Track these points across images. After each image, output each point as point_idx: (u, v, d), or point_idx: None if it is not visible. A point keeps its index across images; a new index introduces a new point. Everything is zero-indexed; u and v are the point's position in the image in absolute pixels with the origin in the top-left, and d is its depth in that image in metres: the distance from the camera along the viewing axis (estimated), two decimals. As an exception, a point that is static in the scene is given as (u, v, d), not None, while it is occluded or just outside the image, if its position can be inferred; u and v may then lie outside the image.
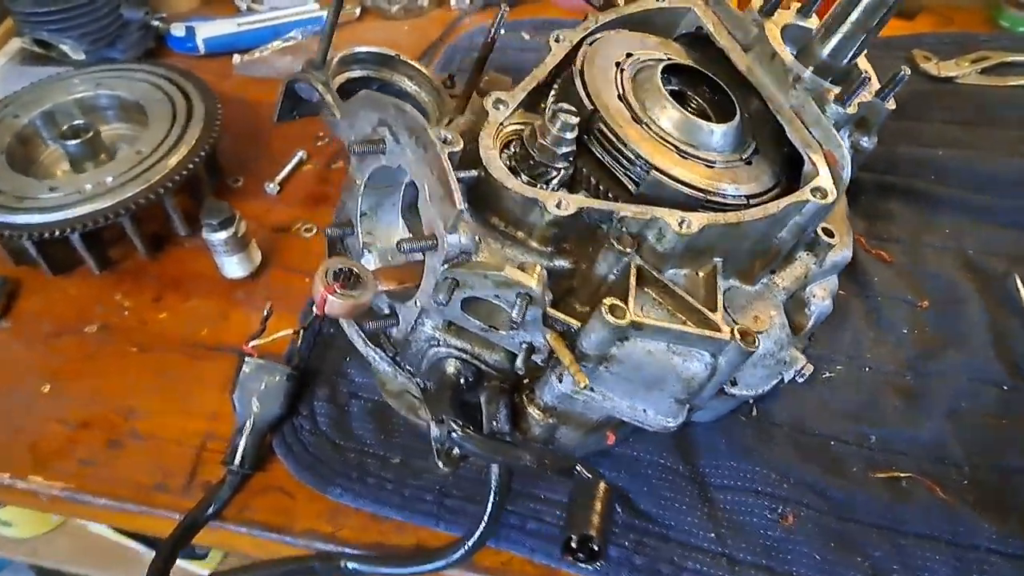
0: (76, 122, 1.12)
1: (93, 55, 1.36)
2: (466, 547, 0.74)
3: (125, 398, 0.97)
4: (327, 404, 0.93)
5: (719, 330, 0.68)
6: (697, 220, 0.69)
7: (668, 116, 0.74)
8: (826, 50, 0.77)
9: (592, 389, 0.69)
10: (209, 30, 1.45)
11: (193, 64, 1.45)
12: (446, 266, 0.67)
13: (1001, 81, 1.20)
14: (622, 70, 0.77)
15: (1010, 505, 0.80)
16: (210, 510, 0.86)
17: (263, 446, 0.90)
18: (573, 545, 0.66)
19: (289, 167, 1.23)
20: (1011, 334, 0.93)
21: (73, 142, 1.10)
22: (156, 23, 1.44)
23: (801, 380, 0.80)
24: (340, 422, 0.91)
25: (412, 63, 0.92)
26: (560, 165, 0.71)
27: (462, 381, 0.73)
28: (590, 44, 0.79)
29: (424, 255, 0.68)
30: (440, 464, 0.73)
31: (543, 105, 0.78)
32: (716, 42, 0.81)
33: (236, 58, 1.44)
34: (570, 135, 0.70)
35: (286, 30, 1.46)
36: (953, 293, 0.97)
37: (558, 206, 0.68)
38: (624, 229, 0.70)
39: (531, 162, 0.71)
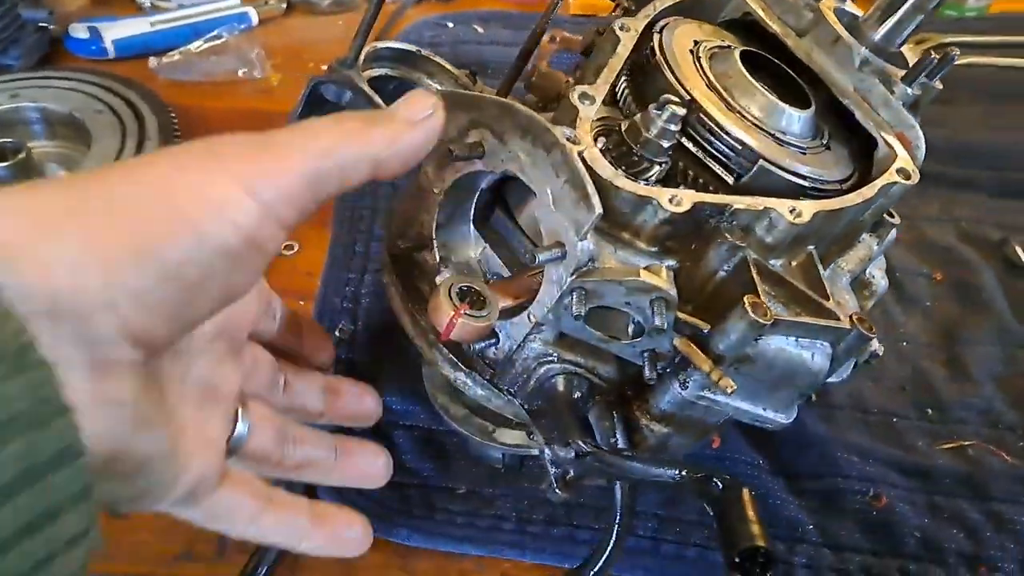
0: (5, 141, 0.95)
1: (-15, 63, 1.17)
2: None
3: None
4: (370, 438, 0.84)
5: (839, 318, 0.67)
6: (807, 209, 0.67)
7: (758, 103, 0.71)
8: (880, 33, 0.77)
9: (727, 393, 0.65)
10: (118, 31, 1.28)
11: (103, 70, 1.29)
12: (573, 276, 0.61)
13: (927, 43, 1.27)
14: (698, 58, 0.73)
15: (1069, 460, 0.84)
16: (261, 573, 0.76)
17: (309, 492, 0.80)
18: (738, 560, 0.62)
19: (250, 180, 1.11)
20: (1024, 298, 0.98)
21: (0, 165, 0.93)
22: (52, 25, 1.26)
23: (874, 362, 0.81)
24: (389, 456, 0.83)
25: (435, 58, 0.85)
26: (662, 159, 0.67)
27: (576, 397, 0.68)
28: (658, 32, 0.75)
29: (545, 266, 0.62)
30: (558, 491, 0.68)
31: (617, 97, 0.73)
32: (768, 27, 0.80)
33: (152, 61, 1.28)
34: (675, 127, 0.65)
35: (207, 28, 1.32)
36: (962, 264, 1.02)
37: (672, 202, 0.64)
38: (735, 222, 0.67)
39: (634, 158, 0.66)
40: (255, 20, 1.37)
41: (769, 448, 0.84)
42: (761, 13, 0.80)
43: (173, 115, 1.02)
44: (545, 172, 0.60)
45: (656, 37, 0.74)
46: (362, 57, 0.78)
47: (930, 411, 0.88)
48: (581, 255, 0.60)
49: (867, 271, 0.83)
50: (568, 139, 0.60)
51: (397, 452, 0.83)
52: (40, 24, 1.22)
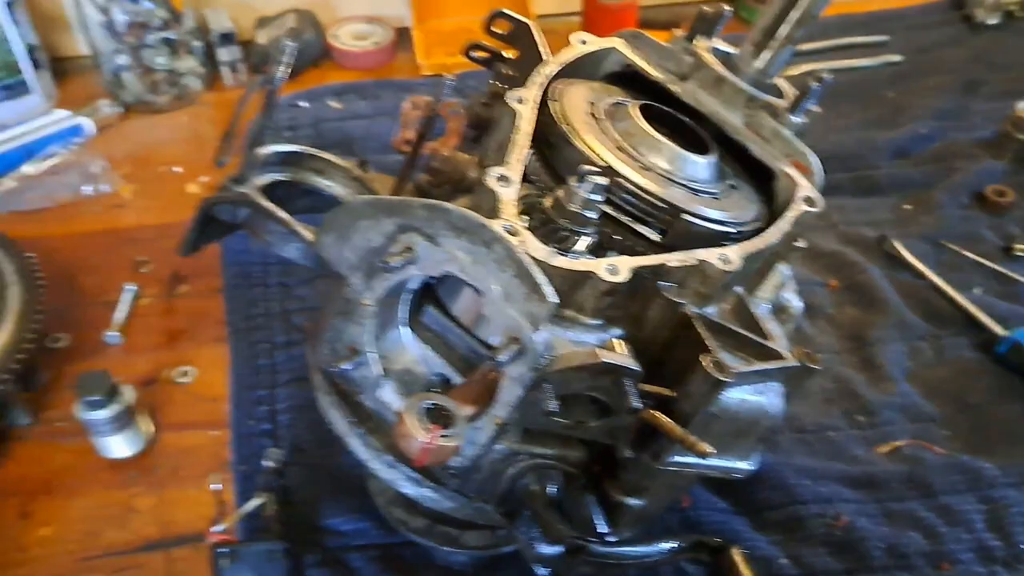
0: None
1: None
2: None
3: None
4: (325, 569, 0.78)
5: (785, 357, 0.68)
6: (735, 254, 0.67)
7: (665, 156, 0.71)
8: (756, 67, 0.80)
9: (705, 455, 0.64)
10: (-60, 166, 1.15)
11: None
12: (534, 371, 0.59)
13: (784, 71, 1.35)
14: (599, 120, 0.73)
15: (988, 439, 0.89)
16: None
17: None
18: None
19: (125, 307, 1.02)
20: (913, 289, 1.04)
21: None
22: None
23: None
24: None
25: (322, 155, 0.81)
26: (589, 230, 0.66)
27: (551, 491, 0.65)
28: (553, 100, 0.74)
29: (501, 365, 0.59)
30: (553, 590, 0.65)
31: (527, 171, 0.72)
32: (648, 76, 0.81)
33: (-14, 192, 1.16)
34: (599, 197, 0.65)
35: (40, 147, 1.20)
36: (851, 267, 1.07)
37: (610, 273, 0.63)
38: (670, 280, 0.67)
39: (562, 233, 0.65)
40: (92, 130, 1.26)
41: (728, 489, 0.84)
42: (642, 64, 0.82)
43: (30, 255, 0.92)
44: (489, 268, 0.58)
45: (553, 106, 0.73)
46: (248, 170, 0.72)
47: (860, 418, 0.92)
48: (539, 348, 0.58)
49: (782, 296, 0.86)
50: (508, 231, 0.58)
51: (356, 577, 0.78)
52: None
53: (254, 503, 0.76)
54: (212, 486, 0.79)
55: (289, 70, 0.66)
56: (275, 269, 1.05)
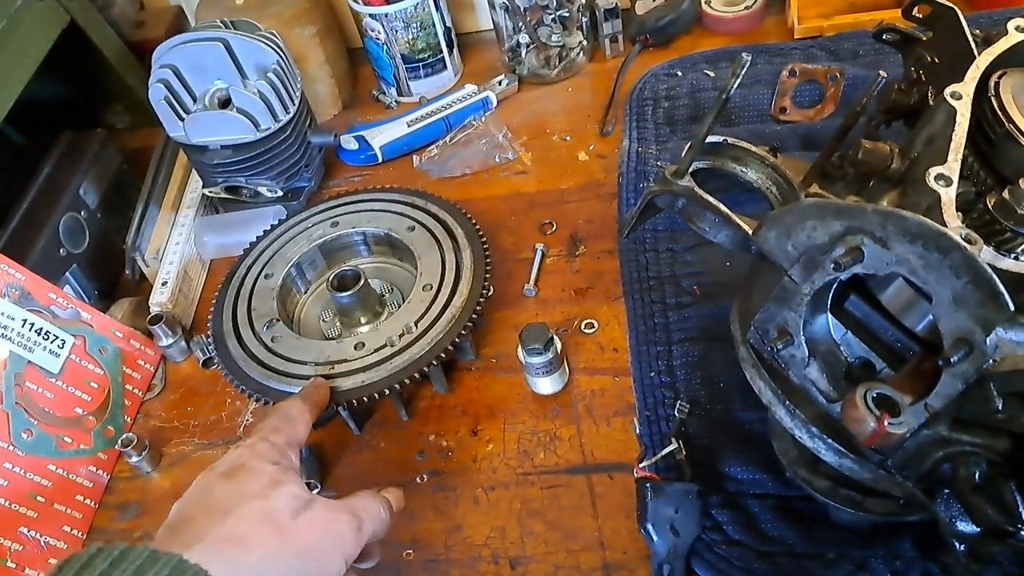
0: (344, 270, 1.06)
1: (285, 188, 1.31)
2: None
3: (503, 547, 0.92)
4: (726, 511, 0.89)
5: None
6: None
7: (1118, 157, 0.70)
8: None
9: None
10: (383, 137, 1.40)
11: (374, 174, 1.41)
12: (979, 371, 0.63)
13: None
14: (1043, 117, 0.73)
15: None
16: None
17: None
18: None
19: (537, 264, 1.19)
20: None
21: (345, 294, 1.05)
22: (334, 144, 1.39)
23: None
24: (750, 527, 0.87)
25: (739, 144, 0.88)
26: (1030, 231, 0.68)
27: (976, 476, 0.69)
28: (993, 95, 0.75)
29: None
30: (967, 568, 0.70)
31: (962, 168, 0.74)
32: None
33: (415, 159, 1.39)
34: (1048, 200, 0.66)
35: (457, 120, 1.41)
36: None
37: (1063, 276, 0.64)
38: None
39: (1006, 234, 0.68)
40: (495, 102, 1.45)
41: None
42: (1083, 50, 0.79)
43: (473, 220, 1.11)
44: (942, 274, 0.62)
45: (993, 101, 0.75)
46: (687, 167, 0.82)
47: None
48: (989, 350, 0.62)
49: None
50: (965, 239, 0.62)
51: (755, 521, 0.88)
52: (323, 146, 1.36)
53: (670, 448, 0.89)
54: (638, 429, 0.94)
55: (738, 80, 0.74)
56: (663, 235, 1.16)
